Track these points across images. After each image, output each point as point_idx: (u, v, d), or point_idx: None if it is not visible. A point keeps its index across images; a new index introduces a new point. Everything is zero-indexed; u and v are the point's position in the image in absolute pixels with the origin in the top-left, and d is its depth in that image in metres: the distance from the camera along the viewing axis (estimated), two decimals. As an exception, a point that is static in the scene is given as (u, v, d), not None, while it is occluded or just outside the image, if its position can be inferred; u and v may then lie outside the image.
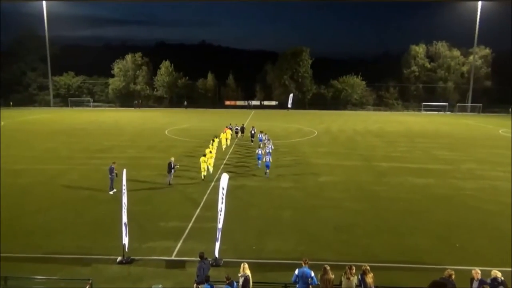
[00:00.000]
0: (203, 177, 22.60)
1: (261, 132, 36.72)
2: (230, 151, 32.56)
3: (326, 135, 42.62)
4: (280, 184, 21.71)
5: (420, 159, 29.53)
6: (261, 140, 34.78)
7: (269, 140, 30.48)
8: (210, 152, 24.86)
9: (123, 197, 12.22)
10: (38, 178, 22.61)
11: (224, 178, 12.15)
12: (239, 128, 41.96)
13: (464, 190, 21.25)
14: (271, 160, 23.91)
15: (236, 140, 38.21)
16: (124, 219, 12.22)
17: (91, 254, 12.81)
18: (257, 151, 26.37)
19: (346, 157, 29.90)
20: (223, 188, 11.97)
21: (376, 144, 36.53)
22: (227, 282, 9.35)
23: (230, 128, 40.73)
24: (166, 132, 43.44)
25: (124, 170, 12.49)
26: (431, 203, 18.70)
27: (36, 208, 17.33)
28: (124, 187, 12.25)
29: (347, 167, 26.36)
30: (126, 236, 12.27)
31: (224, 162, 27.54)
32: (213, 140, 29.05)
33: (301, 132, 44.18)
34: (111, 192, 19.43)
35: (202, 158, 23.20)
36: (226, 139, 34.65)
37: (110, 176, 19.53)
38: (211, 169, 24.09)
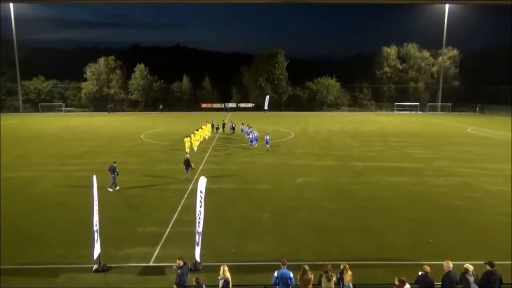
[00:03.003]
0: (187, 151, 28.96)
1: (243, 124, 42.95)
2: (211, 147, 32.89)
3: (303, 136, 43.02)
4: (258, 186, 21.75)
5: (394, 158, 30.26)
6: (242, 131, 39.26)
7: (250, 127, 37.62)
8: (194, 135, 32.13)
9: (94, 204, 11.88)
10: (8, 186, 21.77)
11: (202, 182, 12.04)
12: (220, 125, 44.70)
13: (436, 187, 21.87)
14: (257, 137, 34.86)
15: (217, 135, 41.91)
16: (95, 226, 11.89)
17: (65, 263, 12.40)
18: (248, 136, 35.69)
19: (323, 158, 30.29)
20: (201, 192, 11.84)
21: (351, 144, 37.18)
22: (196, 285, 9.24)
23: (213, 125, 43.60)
24: (142, 136, 42.73)
25: (94, 177, 12.10)
26: (405, 201, 19.16)
27: (5, 217, 16.63)
28: (95, 194, 11.91)
29: (324, 168, 26.70)
30: (97, 243, 11.93)
31: (204, 160, 27.54)
32: (201, 128, 36.88)
33: (278, 134, 44.44)
34: (110, 189, 20.46)
35: (186, 139, 30.43)
36: (205, 137, 38.09)
37: (112, 175, 20.59)
38: (195, 149, 31.22)
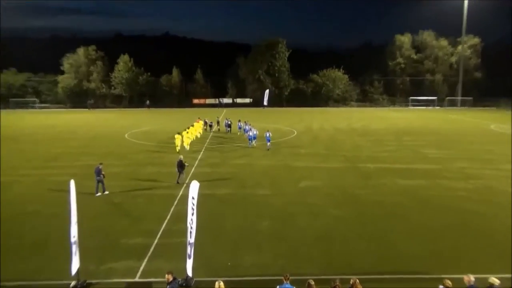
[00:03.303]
0: (177, 150, 30.95)
1: (240, 121, 43.73)
2: (204, 147, 33.06)
3: (307, 135, 43.10)
4: (257, 191, 21.77)
5: (408, 159, 30.36)
6: (240, 129, 39.89)
7: (249, 124, 38.73)
8: (187, 132, 33.65)
9: (71, 212, 11.75)
10: (-26, 193, 21.61)
11: (194, 187, 11.98)
12: (214, 123, 46.86)
13: (454, 191, 21.89)
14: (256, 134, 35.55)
15: (211, 134, 42.56)
16: (73, 237, 11.80)
17: (40, 280, 12.34)
18: (247, 134, 36.44)
19: (329, 159, 30.35)
20: (193, 198, 11.81)
21: (360, 144, 37.26)
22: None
23: (206, 123, 44.21)
24: (126, 136, 42.70)
25: (72, 182, 11.77)
26: (420, 206, 19.16)
27: (-28, 229, 16.50)
28: (73, 201, 11.74)
29: (329, 170, 26.75)
30: (75, 256, 11.84)
31: (197, 162, 27.54)
32: (192, 126, 37.90)
33: (279, 132, 44.45)
34: (97, 194, 20.84)
35: (176, 136, 31.78)
36: (197, 135, 39.10)
37: (97, 178, 20.82)
38: (187, 147, 32.80)
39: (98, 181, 20.97)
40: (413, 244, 14.84)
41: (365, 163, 28.80)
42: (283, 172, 26.16)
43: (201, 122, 43.41)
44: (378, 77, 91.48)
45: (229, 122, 45.19)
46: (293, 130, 46.68)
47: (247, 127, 38.84)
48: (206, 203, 18.75)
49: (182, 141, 32.69)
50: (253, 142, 35.48)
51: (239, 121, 44.69)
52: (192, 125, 38.95)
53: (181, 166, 23.08)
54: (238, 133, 42.96)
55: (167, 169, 26.20)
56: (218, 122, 47.59)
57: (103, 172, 21.00)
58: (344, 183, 23.42)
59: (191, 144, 35.23)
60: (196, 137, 38.26)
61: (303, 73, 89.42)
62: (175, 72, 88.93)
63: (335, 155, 31.97)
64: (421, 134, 43.94)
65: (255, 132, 35.97)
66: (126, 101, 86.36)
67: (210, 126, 46.41)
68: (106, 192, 21.17)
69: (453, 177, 24.83)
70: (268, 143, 33.82)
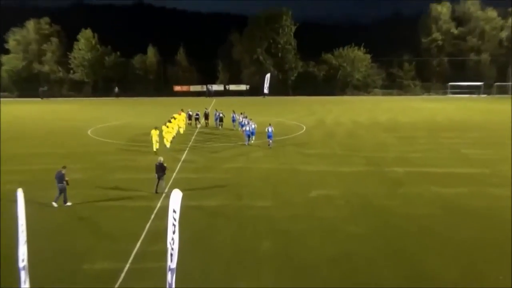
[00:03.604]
0: (155, 150, 31.82)
1: (234, 112, 44.65)
2: (188, 146, 33.61)
3: (318, 131, 43.22)
4: (254, 203, 21.71)
5: (447, 161, 30.45)
6: (234, 121, 43.90)
7: (246, 117, 39.62)
8: (167, 126, 34.32)
9: (19, 229, 11.24)
10: None
11: (175, 197, 11.82)
12: (200, 115, 45.12)
13: (503, 200, 21.79)
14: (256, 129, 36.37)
15: (197, 129, 43.09)
16: (22, 261, 11.57)
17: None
18: (244, 128, 37.03)
19: (346, 161, 30.39)
20: (174, 211, 11.66)
21: (386, 142, 37.38)
22: None
23: (190, 115, 44.34)
24: (88, 133, 42.74)
25: (19, 191, 11.27)
26: (460, 220, 19.16)
27: None
28: (21, 216, 11.25)
29: (347, 175, 26.78)
30: (25, 285, 11.77)
31: (179, 165, 27.44)
32: (174, 118, 38.66)
33: (284, 128, 44.46)
34: (54, 204, 20.92)
35: (153, 131, 31.92)
36: (179, 129, 39.68)
37: (58, 185, 20.86)
38: (168, 145, 33.62)
39: (60, 190, 20.99)
40: (453, 268, 14.80)
41: (392, 167, 28.85)
42: (289, 178, 26.14)
43: (184, 115, 43.40)
44: (408, 57, 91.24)
45: (220, 115, 45.16)
46: (301, 125, 46.82)
47: (243, 121, 39.00)
48: (191, 217, 18.62)
49: (162, 137, 32.87)
50: (252, 139, 35.62)
51: (234, 112, 44.84)
52: (174, 117, 39.05)
53: (161, 170, 22.94)
54: (234, 128, 43.03)
55: (141, 174, 26.23)
56: (206, 115, 47.52)
57: (66, 178, 20.98)
58: (366, 192, 23.31)
59: (173, 140, 35.31)
60: (178, 133, 38.12)
61: (314, 53, 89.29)
62: (151, 51, 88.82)
63: (354, 156, 32.03)
64: (462, 129, 44.13)
65: (253, 126, 36.17)
66: (89, 89, 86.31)
67: (196, 119, 46.37)
68: (68, 204, 21.16)
69: (501, 183, 24.77)
70: (270, 141, 34.02)
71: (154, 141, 31.94)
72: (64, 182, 20.90)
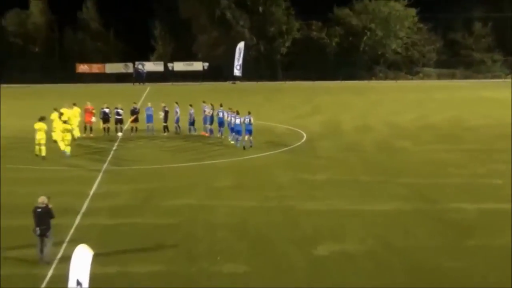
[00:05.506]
0: (39, 154, 26.61)
1: (204, 102, 36.01)
2: (105, 164, 26.49)
3: (329, 141, 34.47)
4: (218, 267, 15.08)
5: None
6: (221, 124, 33.85)
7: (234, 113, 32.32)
8: (62, 120, 28.16)
9: None
10: None
11: (80, 259, 8.70)
12: (122, 112, 36.16)
13: None
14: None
15: (119, 135, 34.36)
16: None
17: None
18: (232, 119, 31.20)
19: (377, 194, 22.77)
20: (78, 284, 8.58)
21: (444, 158, 29.38)
22: None
23: (106, 114, 35.86)
24: None
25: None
26: None
27: None
28: None
29: (378, 218, 19.83)
30: None
31: (87, 202, 20.45)
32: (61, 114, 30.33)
33: (271, 136, 35.94)
34: None
35: (38, 126, 26.34)
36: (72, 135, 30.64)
37: None
38: (67, 151, 27.07)
39: None
40: None
41: (455, 202, 21.23)
42: (279, 224, 19.29)
43: (77, 110, 33.60)
44: (480, 14, 75.25)
45: (165, 110, 35.50)
46: (299, 131, 37.33)
47: (226, 115, 33.22)
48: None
49: (53, 140, 28.27)
50: (247, 138, 30.90)
51: (204, 102, 36.50)
52: (61, 113, 30.67)
53: (45, 218, 15.90)
54: (222, 136, 34.03)
55: (16, 220, 17.86)
56: (134, 111, 36.13)
57: None
58: (409, 245, 16.54)
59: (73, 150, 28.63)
60: (73, 138, 30.47)
61: (319, 7, 73.52)
62: (35, 5, 74.97)
63: (390, 183, 24.07)
64: None
65: (237, 121, 31.22)
66: None
67: (119, 120, 35.08)
68: None
69: None
70: (249, 138, 30.58)
71: (38, 142, 26.41)
72: None
